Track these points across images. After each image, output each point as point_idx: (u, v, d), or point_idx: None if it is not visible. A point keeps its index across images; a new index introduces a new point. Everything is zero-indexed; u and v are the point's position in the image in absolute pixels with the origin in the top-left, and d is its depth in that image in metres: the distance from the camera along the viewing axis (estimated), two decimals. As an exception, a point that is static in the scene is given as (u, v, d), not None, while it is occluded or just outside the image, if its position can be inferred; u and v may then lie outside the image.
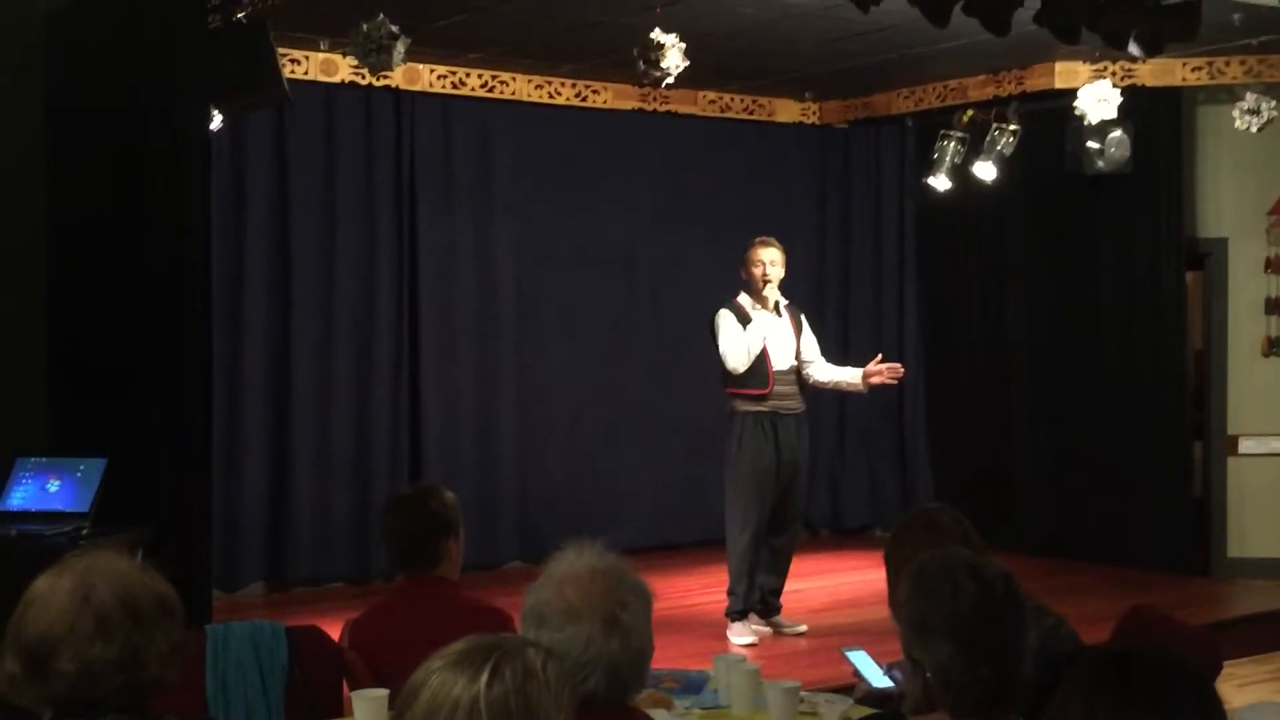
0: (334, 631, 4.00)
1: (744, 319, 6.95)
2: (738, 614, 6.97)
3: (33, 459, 5.21)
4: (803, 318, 7.20)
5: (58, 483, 5.11)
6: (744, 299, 7.01)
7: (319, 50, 7.98)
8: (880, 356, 7.29)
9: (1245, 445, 8.76)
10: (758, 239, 7.07)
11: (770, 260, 6.96)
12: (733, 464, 6.96)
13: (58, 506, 5.06)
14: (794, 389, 7.04)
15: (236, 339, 8.03)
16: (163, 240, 5.32)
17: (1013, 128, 8.62)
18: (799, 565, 7.49)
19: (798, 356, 7.05)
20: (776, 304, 7.00)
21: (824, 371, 7.15)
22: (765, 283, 6.94)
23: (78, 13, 5.44)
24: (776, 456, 6.90)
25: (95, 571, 2.23)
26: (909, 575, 2.54)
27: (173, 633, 2.27)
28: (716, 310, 7.03)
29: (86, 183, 5.48)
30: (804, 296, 7.84)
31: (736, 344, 6.92)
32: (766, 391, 6.92)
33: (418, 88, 8.49)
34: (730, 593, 7.00)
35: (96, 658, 2.17)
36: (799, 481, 7.06)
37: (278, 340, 8.23)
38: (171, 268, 5.31)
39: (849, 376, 7.17)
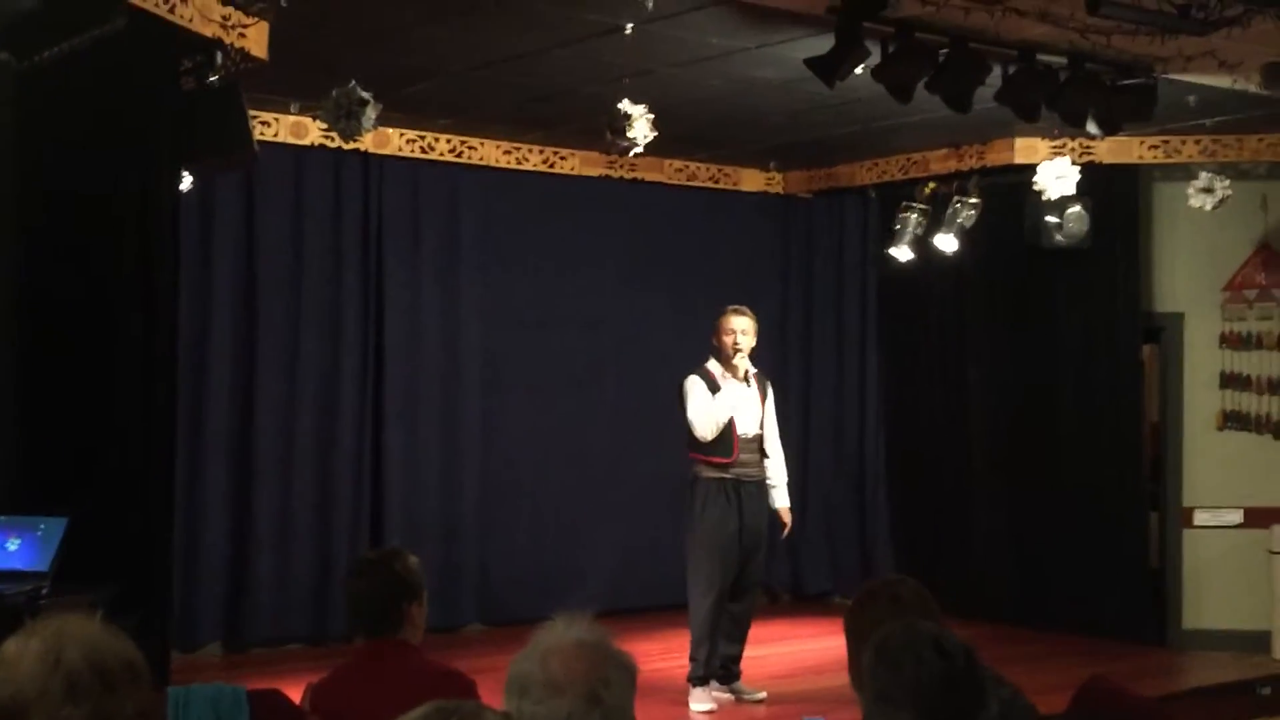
0: (293, 693, 3.98)
1: (713, 387, 6.98)
2: (699, 680, 6.96)
3: (-7, 517, 5.18)
4: (769, 388, 7.24)
5: (18, 541, 5.07)
6: (714, 366, 7.04)
7: (289, 113, 8.03)
8: (786, 531, 7.29)
9: (1200, 517, 8.84)
10: (730, 308, 7.11)
11: (741, 329, 7.00)
12: (695, 530, 6.97)
13: (17, 566, 5.01)
14: (756, 456, 7.07)
15: (200, 397, 8.02)
16: (132, 300, 5.33)
17: (973, 201, 8.75)
18: (759, 631, 7.50)
19: (761, 425, 7.09)
20: (746, 373, 7.04)
21: (770, 458, 7.12)
22: (735, 351, 6.98)
23: (50, 72, 5.46)
24: (740, 523, 6.92)
25: (65, 635, 2.23)
26: (872, 646, 2.56)
27: (141, 697, 2.27)
28: (686, 377, 7.06)
29: (57, 242, 5.48)
30: (767, 363, 7.88)
31: (704, 414, 6.94)
32: (731, 460, 6.95)
33: (387, 151, 8.56)
34: (692, 659, 6.99)
35: (65, 722, 2.17)
36: (760, 548, 7.08)
37: (241, 399, 8.22)
38: (141, 327, 5.31)
39: (776, 493, 7.14)
